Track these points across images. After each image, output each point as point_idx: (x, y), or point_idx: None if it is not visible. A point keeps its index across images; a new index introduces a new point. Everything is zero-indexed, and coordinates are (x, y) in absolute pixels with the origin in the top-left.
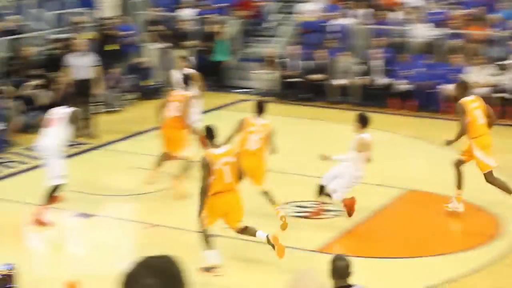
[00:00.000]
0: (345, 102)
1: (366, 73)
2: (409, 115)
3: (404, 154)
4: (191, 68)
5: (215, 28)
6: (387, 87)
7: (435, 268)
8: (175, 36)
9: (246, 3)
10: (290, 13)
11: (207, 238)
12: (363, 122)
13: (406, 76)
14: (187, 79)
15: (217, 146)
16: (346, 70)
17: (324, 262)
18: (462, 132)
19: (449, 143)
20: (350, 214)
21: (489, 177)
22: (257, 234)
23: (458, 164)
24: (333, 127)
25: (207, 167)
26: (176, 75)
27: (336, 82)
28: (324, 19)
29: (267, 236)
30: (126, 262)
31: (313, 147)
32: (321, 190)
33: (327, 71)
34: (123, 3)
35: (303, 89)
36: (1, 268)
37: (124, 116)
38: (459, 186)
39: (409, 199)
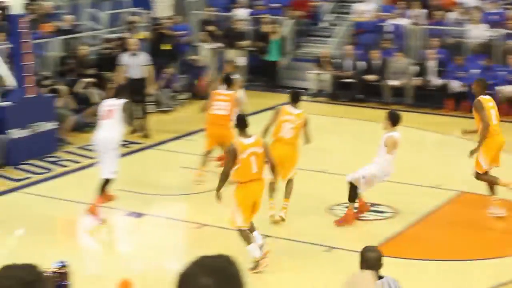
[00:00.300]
0: (399, 103)
1: (420, 73)
2: (463, 116)
3: (458, 156)
4: (237, 70)
5: (269, 28)
6: (442, 88)
7: (488, 271)
8: (228, 36)
9: (301, 3)
10: (344, 13)
11: (245, 234)
12: (394, 120)
13: (461, 77)
14: (228, 80)
15: (247, 136)
16: (401, 71)
17: None
18: (485, 129)
19: (474, 152)
20: (347, 220)
21: (479, 177)
22: (249, 247)
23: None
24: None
25: (233, 155)
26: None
27: (390, 82)
28: (379, 19)
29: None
30: (176, 261)
31: (364, 148)
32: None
33: (381, 72)
34: (178, 3)
35: (357, 90)
36: (54, 266)
37: (176, 115)
38: (492, 191)
39: (462, 201)
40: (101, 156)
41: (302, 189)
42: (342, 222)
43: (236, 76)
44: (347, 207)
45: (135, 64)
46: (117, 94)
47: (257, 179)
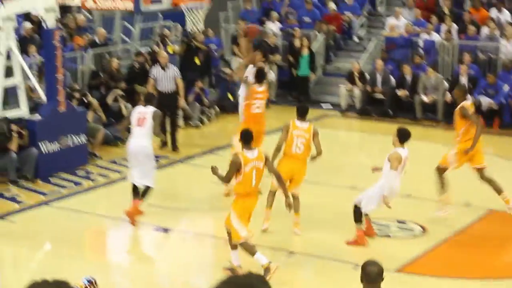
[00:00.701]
0: (430, 119)
1: (452, 89)
2: (494, 133)
3: (489, 173)
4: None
5: (300, 42)
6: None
7: None
8: (259, 50)
9: (332, 17)
10: (376, 27)
11: (248, 245)
12: (401, 136)
13: (494, 93)
14: (261, 75)
15: (251, 149)
16: (432, 87)
17: (406, 283)
18: (479, 134)
19: (468, 150)
20: (359, 242)
21: (440, 172)
22: (255, 256)
23: (485, 178)
24: (416, 144)
25: (236, 166)
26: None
27: (421, 98)
28: (410, 34)
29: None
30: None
31: None
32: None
33: (413, 87)
34: (210, 17)
35: (387, 105)
36: (82, 282)
37: (205, 130)
38: (499, 191)
39: (491, 219)
40: (134, 164)
41: (332, 205)
42: (353, 243)
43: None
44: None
45: (166, 77)
46: (147, 102)
47: (254, 193)
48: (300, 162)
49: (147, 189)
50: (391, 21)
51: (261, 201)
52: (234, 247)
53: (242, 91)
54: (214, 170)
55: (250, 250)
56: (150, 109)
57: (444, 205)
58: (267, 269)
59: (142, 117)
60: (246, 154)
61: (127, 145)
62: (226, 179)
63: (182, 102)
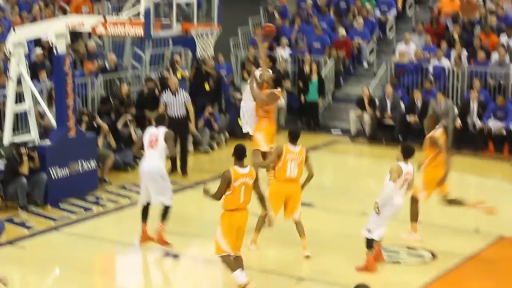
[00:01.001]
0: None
1: (462, 115)
2: (505, 159)
3: (499, 200)
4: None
5: (309, 68)
6: (483, 130)
7: None
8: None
9: (342, 43)
10: (386, 53)
11: (228, 260)
12: (405, 152)
13: (504, 119)
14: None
15: (242, 165)
16: (442, 112)
17: None
18: (449, 164)
19: (443, 180)
20: (369, 268)
21: (414, 203)
22: (234, 273)
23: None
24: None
25: (226, 181)
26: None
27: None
28: (420, 60)
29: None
30: None
31: None
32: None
33: (423, 113)
34: (221, 42)
35: (398, 131)
36: None
37: (215, 155)
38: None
39: (502, 245)
40: (150, 185)
41: (341, 231)
42: (363, 269)
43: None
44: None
45: (176, 102)
46: (158, 123)
47: (242, 209)
48: (296, 184)
49: (166, 209)
50: (400, 47)
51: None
52: (232, 269)
53: (247, 96)
54: (205, 191)
55: (231, 265)
56: (162, 130)
57: (412, 233)
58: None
59: (154, 138)
60: (237, 169)
61: (139, 168)
62: (217, 196)
63: (192, 127)
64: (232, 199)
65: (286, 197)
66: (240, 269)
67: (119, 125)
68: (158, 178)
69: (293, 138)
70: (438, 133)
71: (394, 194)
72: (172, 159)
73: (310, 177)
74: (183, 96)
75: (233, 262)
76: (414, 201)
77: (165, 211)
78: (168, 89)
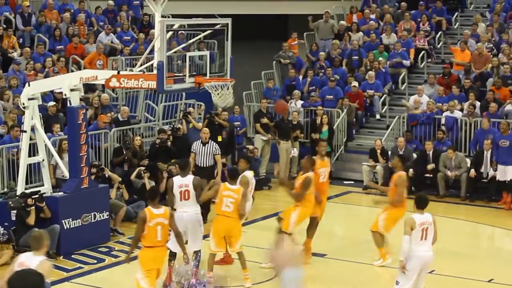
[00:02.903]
0: (453, 195)
1: (475, 165)
2: None
3: None
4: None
5: (320, 119)
6: (498, 180)
7: None
8: (282, 128)
9: (355, 95)
10: (398, 105)
11: None
12: (419, 203)
13: None
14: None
15: (157, 206)
16: (453, 165)
17: None
18: (397, 202)
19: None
20: None
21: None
22: None
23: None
24: (439, 221)
25: (142, 222)
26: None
27: (445, 173)
28: (432, 112)
29: None
30: None
31: None
32: None
33: (436, 164)
34: (234, 95)
35: (411, 181)
36: None
37: None
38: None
39: None
40: (188, 233)
41: (354, 281)
42: None
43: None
44: None
45: (205, 152)
46: (182, 169)
47: (161, 246)
48: (232, 220)
49: (197, 253)
50: (414, 98)
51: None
52: None
53: None
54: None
55: None
56: (189, 179)
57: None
58: None
59: (184, 190)
60: (152, 210)
61: (176, 217)
62: (135, 236)
63: (218, 178)
64: (149, 238)
65: (226, 231)
66: None
67: (132, 176)
68: (197, 225)
69: (231, 177)
70: (404, 174)
71: (416, 246)
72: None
73: (241, 215)
74: (213, 147)
75: None
76: (375, 233)
77: (197, 256)
78: (199, 140)
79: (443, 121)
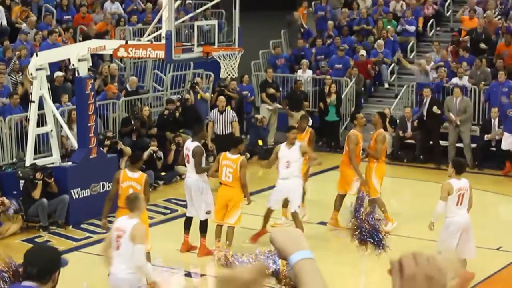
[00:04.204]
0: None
1: (483, 133)
2: None
3: None
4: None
5: (328, 88)
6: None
7: None
8: (290, 97)
9: (363, 64)
10: (406, 74)
11: None
12: (458, 169)
13: None
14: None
15: (134, 170)
16: (459, 107)
17: None
18: (376, 157)
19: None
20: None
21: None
22: None
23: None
24: None
25: (115, 182)
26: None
27: (450, 117)
28: (441, 80)
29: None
30: None
31: (424, 209)
32: None
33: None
34: (243, 64)
35: (419, 151)
36: None
37: None
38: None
39: None
40: (188, 198)
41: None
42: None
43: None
44: None
45: (223, 121)
46: (193, 135)
47: None
48: (232, 189)
49: (201, 223)
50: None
51: None
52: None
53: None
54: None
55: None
56: (193, 145)
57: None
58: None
59: (186, 153)
60: (127, 172)
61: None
62: (110, 194)
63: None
64: (122, 198)
65: (225, 200)
66: None
67: (145, 156)
68: (197, 192)
69: (232, 146)
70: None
71: (452, 211)
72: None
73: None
74: (230, 114)
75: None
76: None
77: (201, 225)
78: (216, 108)
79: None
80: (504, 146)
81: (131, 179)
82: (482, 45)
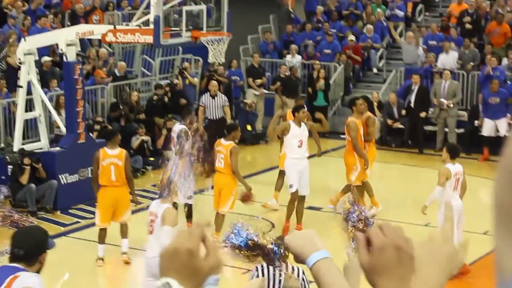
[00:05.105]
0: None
1: (471, 118)
2: None
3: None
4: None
5: (317, 73)
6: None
7: None
8: (285, 84)
9: (352, 48)
10: (395, 59)
11: (101, 233)
12: (452, 153)
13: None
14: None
15: (112, 148)
16: (448, 90)
17: None
18: (369, 139)
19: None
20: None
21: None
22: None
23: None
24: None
25: (95, 161)
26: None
27: (440, 129)
28: (430, 65)
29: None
30: None
31: (411, 194)
32: None
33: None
34: (232, 49)
35: (407, 136)
36: None
37: None
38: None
39: None
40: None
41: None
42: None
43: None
44: None
45: (215, 105)
46: (183, 117)
47: (116, 186)
48: (224, 176)
49: (187, 208)
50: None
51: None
52: (98, 241)
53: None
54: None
55: (100, 238)
56: (179, 128)
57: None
58: (97, 261)
59: (172, 136)
60: (106, 150)
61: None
62: (93, 175)
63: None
64: (103, 177)
65: (218, 187)
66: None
67: (134, 145)
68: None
69: (225, 133)
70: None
71: (449, 195)
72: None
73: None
74: (222, 99)
75: (103, 237)
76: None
77: (187, 210)
78: (207, 92)
79: (439, 65)
80: (485, 132)
81: (111, 156)
82: (468, 26)
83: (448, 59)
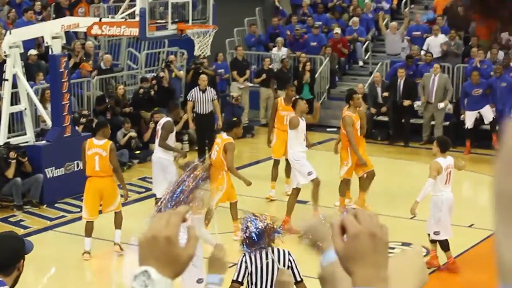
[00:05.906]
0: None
1: (456, 111)
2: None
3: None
4: None
5: (303, 66)
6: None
7: None
8: (278, 77)
9: (338, 41)
10: (381, 52)
11: (88, 226)
12: (443, 147)
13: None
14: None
15: (99, 138)
16: (438, 83)
17: None
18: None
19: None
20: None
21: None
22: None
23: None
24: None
25: (82, 151)
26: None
27: (426, 121)
28: (417, 58)
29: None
30: None
31: (397, 187)
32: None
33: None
34: (218, 42)
35: (393, 129)
36: None
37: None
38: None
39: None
40: (155, 175)
41: None
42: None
43: None
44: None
45: (204, 99)
46: (168, 112)
47: (101, 176)
48: (216, 169)
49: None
50: (395, 45)
51: None
52: (85, 234)
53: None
54: None
55: (86, 231)
56: (163, 120)
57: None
58: (83, 254)
59: (158, 129)
60: (93, 140)
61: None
62: (83, 163)
63: (220, 122)
64: (88, 167)
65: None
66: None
67: (122, 141)
68: (158, 169)
69: (227, 129)
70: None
71: (441, 189)
72: (199, 149)
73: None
74: (211, 93)
75: (90, 230)
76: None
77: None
78: (197, 87)
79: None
80: (468, 124)
81: (97, 146)
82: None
83: (436, 42)
